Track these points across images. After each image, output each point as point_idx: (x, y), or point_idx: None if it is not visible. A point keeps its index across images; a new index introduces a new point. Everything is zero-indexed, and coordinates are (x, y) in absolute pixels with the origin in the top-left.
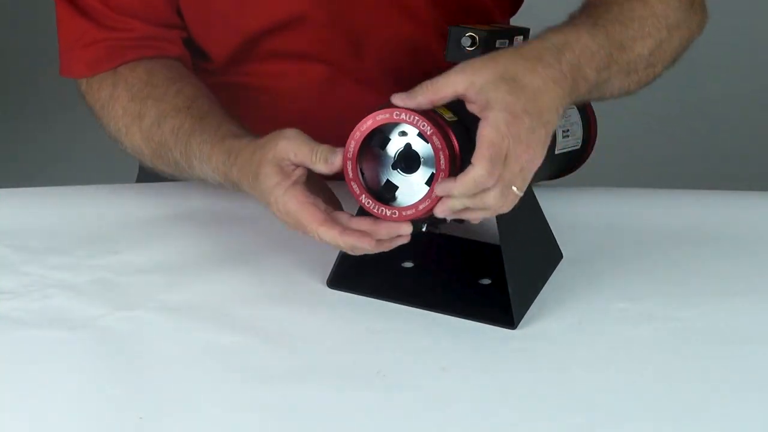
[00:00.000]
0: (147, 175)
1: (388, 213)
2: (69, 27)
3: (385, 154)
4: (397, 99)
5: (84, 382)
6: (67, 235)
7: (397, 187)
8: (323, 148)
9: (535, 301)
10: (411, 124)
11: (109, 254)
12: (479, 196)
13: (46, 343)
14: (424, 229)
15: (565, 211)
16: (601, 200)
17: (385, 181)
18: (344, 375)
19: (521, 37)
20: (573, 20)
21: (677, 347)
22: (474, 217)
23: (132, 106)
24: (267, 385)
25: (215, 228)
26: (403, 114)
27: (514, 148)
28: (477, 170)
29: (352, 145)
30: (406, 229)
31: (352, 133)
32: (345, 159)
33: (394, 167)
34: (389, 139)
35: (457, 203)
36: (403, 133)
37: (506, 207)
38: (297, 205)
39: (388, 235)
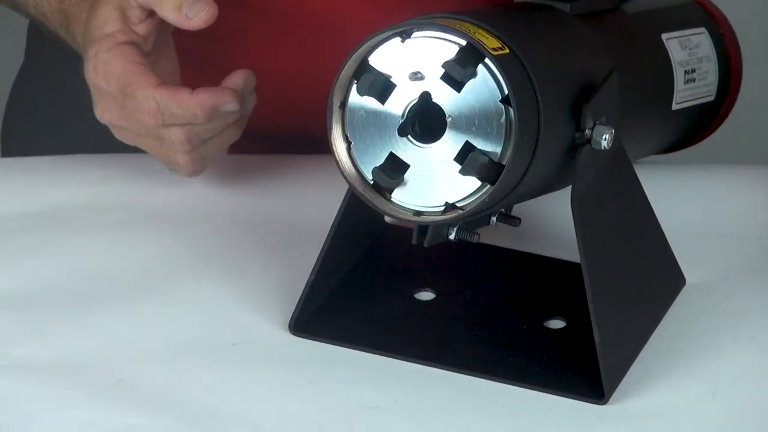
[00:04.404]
0: (11, 148)
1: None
2: None
3: (385, 112)
4: None
5: None
6: None
7: (407, 166)
8: None
9: (639, 356)
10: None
11: None
12: None
13: None
14: (452, 237)
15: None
16: (745, 188)
17: (387, 155)
18: None
19: None
20: None
21: None
22: None
23: None
24: None
25: (106, 235)
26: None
27: None
28: None
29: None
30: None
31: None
32: None
33: (403, 133)
34: (393, 86)
35: None
36: (419, 76)
37: None
38: (124, 64)
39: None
